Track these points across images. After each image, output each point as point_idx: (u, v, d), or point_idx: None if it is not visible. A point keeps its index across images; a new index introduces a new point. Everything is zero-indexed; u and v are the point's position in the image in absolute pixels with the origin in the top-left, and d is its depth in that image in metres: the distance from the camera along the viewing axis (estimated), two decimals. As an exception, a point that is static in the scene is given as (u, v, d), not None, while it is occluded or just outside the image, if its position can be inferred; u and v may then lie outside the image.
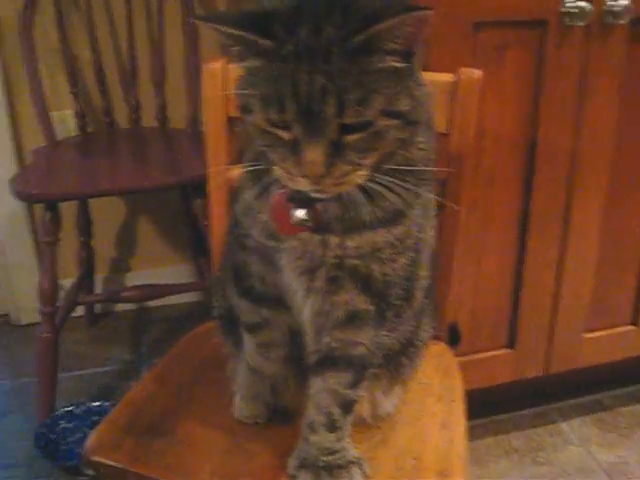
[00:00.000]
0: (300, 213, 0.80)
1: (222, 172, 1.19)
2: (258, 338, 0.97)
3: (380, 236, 0.81)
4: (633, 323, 1.83)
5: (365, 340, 0.89)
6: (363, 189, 0.76)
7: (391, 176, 0.76)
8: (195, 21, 0.68)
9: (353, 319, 0.87)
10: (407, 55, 0.72)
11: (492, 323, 1.69)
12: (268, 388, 1.02)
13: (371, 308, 0.86)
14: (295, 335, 0.95)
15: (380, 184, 0.75)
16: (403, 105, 0.72)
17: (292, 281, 0.87)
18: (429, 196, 0.87)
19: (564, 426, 1.91)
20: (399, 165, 0.77)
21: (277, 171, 0.75)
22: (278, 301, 0.93)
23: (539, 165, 1.53)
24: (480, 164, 1.48)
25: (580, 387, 2.00)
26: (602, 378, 2.00)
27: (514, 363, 1.74)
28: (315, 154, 0.70)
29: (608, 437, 1.87)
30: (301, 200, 0.79)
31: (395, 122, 0.72)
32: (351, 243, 0.81)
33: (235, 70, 0.77)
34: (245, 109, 0.74)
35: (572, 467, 1.77)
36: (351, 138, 0.71)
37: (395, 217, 0.81)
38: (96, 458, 0.98)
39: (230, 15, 0.75)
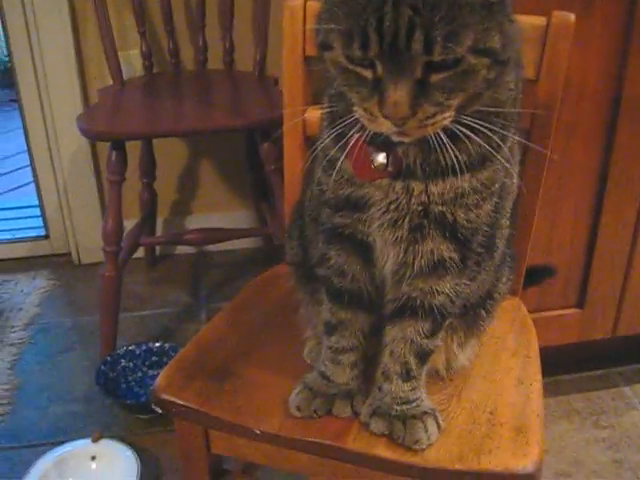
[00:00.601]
0: (380, 157, 0.77)
1: (298, 113, 1.15)
2: (332, 341, 0.94)
3: (465, 181, 0.78)
4: None
5: (446, 289, 0.86)
6: (448, 131, 0.72)
7: (478, 118, 0.72)
8: None
9: (436, 267, 0.84)
10: None
11: (563, 281, 1.64)
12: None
13: (454, 256, 0.83)
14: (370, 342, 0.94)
15: (466, 126, 0.72)
16: (494, 42, 0.67)
17: (377, 237, 0.84)
18: (516, 139, 0.83)
19: (627, 390, 1.87)
20: (487, 107, 0.73)
21: (358, 112, 0.71)
22: (357, 298, 0.91)
23: (622, 120, 1.47)
24: (561, 115, 1.41)
25: (646, 352, 1.95)
26: (670, 343, 1.94)
27: (582, 323, 1.70)
28: (399, 94, 0.66)
29: (673, 404, 1.83)
30: (382, 143, 0.76)
31: (485, 60, 0.67)
32: (435, 189, 0.78)
33: (315, 6, 0.73)
34: (325, 45, 0.70)
35: (635, 432, 1.73)
36: (437, 77, 0.67)
37: (480, 161, 0.78)
38: (166, 396, 0.97)
39: None
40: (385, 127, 0.70)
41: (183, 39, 2.19)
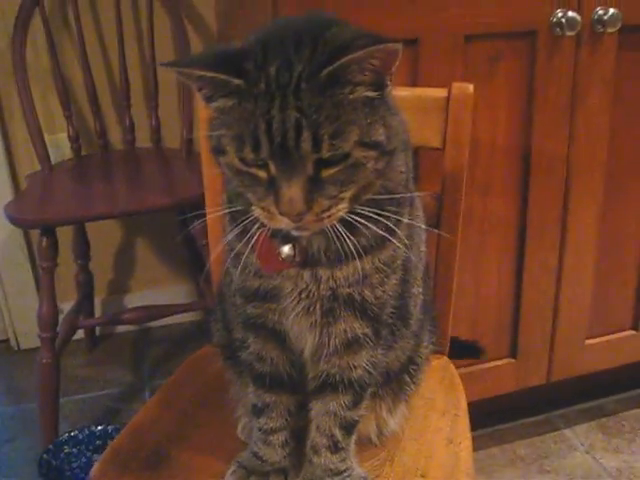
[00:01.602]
0: (286, 249, 0.80)
1: (218, 193, 1.18)
2: (260, 423, 0.95)
3: (367, 263, 0.81)
4: (634, 328, 1.84)
5: (363, 362, 0.89)
6: (345, 222, 0.75)
7: (372, 206, 0.75)
8: (165, 67, 0.67)
9: (351, 344, 0.87)
10: (379, 86, 0.72)
11: (493, 333, 1.69)
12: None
13: (367, 331, 0.87)
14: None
15: (361, 215, 0.75)
16: (379, 135, 0.71)
17: (293, 324, 0.87)
18: (411, 222, 0.87)
19: (568, 432, 1.91)
20: (379, 194, 0.77)
21: (256, 211, 0.74)
22: (279, 381, 0.93)
23: (534, 173, 1.54)
24: (474, 174, 1.48)
25: (583, 393, 2.00)
26: (604, 383, 2.00)
27: (517, 372, 1.74)
28: (294, 191, 0.69)
29: (613, 442, 1.87)
30: (285, 236, 0.79)
31: (372, 153, 0.71)
32: (340, 274, 0.81)
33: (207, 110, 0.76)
34: (218, 150, 0.73)
35: (578, 473, 1.76)
36: (328, 172, 0.70)
37: (379, 243, 0.81)
38: (102, 487, 0.97)
39: (197, 58, 0.74)
40: (284, 224, 0.72)
41: (110, 119, 2.22)
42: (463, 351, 1.35)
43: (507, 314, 1.68)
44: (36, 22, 1.97)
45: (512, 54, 1.42)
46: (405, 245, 0.84)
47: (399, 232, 0.82)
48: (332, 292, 0.82)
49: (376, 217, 0.76)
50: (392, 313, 0.88)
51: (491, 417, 1.89)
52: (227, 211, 0.82)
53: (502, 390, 1.75)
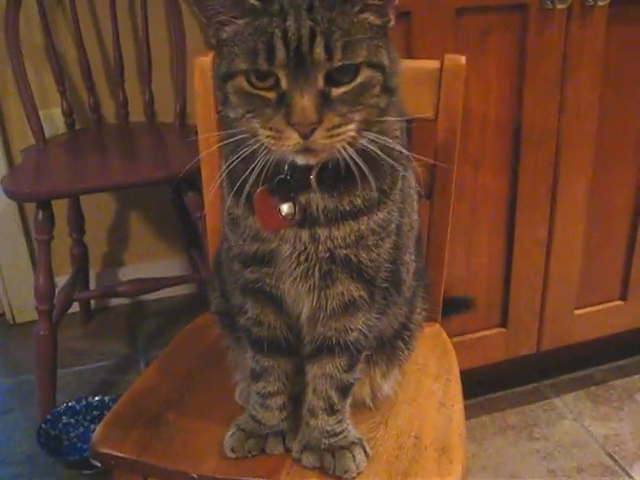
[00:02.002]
0: (286, 207, 0.82)
1: (214, 162, 1.20)
2: (258, 387, 0.98)
3: (363, 224, 0.84)
4: (622, 298, 1.87)
5: (358, 325, 0.92)
6: (353, 165, 0.76)
7: (370, 159, 0.77)
8: None
9: (347, 307, 0.90)
10: (383, 15, 0.75)
11: (485, 303, 1.72)
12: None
13: (363, 294, 0.89)
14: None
15: (372, 142, 0.77)
16: (384, 59, 0.75)
17: (290, 289, 0.89)
18: (412, 181, 0.90)
19: (557, 401, 1.95)
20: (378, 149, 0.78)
21: (262, 135, 0.74)
22: (276, 345, 0.96)
23: (525, 147, 1.56)
24: (466, 148, 1.50)
25: (572, 363, 2.05)
26: (593, 353, 2.04)
27: (507, 342, 1.77)
28: (306, 100, 0.71)
29: (601, 410, 1.91)
30: (283, 191, 0.81)
31: (378, 75, 0.74)
32: (338, 233, 0.83)
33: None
34: (228, 75, 0.75)
35: (567, 441, 1.81)
36: (338, 91, 0.73)
37: (374, 205, 0.84)
38: (104, 450, 1.00)
39: None
40: (293, 140, 0.72)
41: (104, 94, 2.23)
42: (455, 307, 1.39)
43: (498, 285, 1.71)
44: (29, -2, 1.97)
45: (503, 27, 1.44)
46: (399, 210, 0.87)
47: (393, 195, 0.85)
48: (330, 253, 0.84)
49: (386, 148, 0.78)
50: (386, 277, 0.91)
51: (482, 386, 1.93)
52: (226, 172, 0.83)
53: (493, 359, 1.78)
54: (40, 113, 1.99)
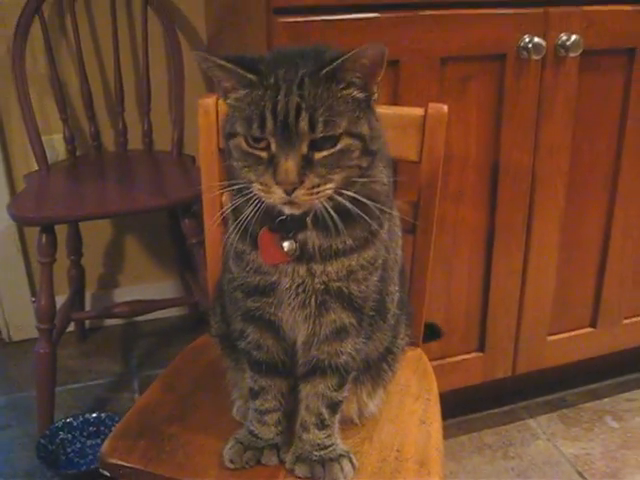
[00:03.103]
0: (287, 244, 0.93)
1: (214, 190, 1.30)
2: (256, 404, 1.08)
3: (354, 260, 0.95)
4: (592, 325, 1.98)
5: (348, 349, 1.02)
6: (337, 215, 0.88)
7: (360, 209, 0.89)
8: (197, 53, 0.84)
9: (339, 333, 1.00)
10: (366, 90, 0.87)
11: (463, 329, 1.82)
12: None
13: (353, 321, 1.00)
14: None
15: (350, 212, 0.88)
16: (364, 129, 0.87)
17: (288, 317, 0.99)
18: (397, 222, 1.01)
19: (531, 422, 2.05)
20: (366, 196, 0.90)
21: (255, 187, 0.86)
22: (274, 367, 1.05)
23: (502, 183, 1.67)
24: (448, 184, 1.61)
25: (546, 386, 2.15)
26: (565, 377, 2.15)
27: (484, 365, 1.87)
28: (290, 164, 0.82)
29: (572, 431, 2.01)
30: (283, 230, 0.92)
31: (357, 143, 0.86)
32: (331, 268, 0.94)
33: (223, 106, 0.91)
34: (230, 134, 0.88)
35: (540, 460, 1.91)
36: (320, 155, 0.84)
37: (364, 243, 0.95)
38: (113, 460, 1.08)
39: (223, 55, 0.88)
40: (278, 195, 0.84)
41: (104, 122, 2.32)
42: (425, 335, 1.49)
43: (476, 311, 1.81)
44: (35, 29, 2.06)
45: (483, 75, 1.56)
46: (385, 247, 0.98)
47: (380, 235, 0.96)
48: (325, 286, 0.95)
49: (363, 217, 0.89)
50: (373, 306, 1.01)
51: (460, 407, 2.03)
52: (232, 208, 0.94)
53: (470, 382, 1.87)
54: (42, 139, 2.08)
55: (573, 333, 1.97)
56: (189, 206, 1.91)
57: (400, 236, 1.11)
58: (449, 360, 1.82)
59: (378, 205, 0.92)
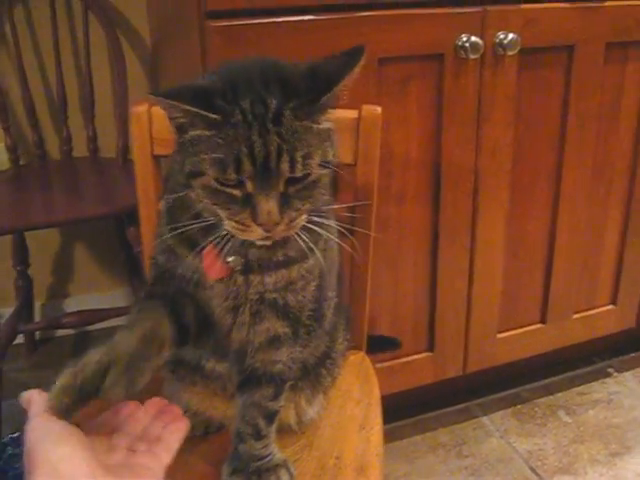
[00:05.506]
0: (232, 258, 0.91)
1: (151, 203, 1.28)
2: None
3: (294, 272, 0.94)
4: (541, 321, 2.00)
5: (283, 358, 1.00)
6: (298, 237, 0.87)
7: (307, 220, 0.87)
8: (153, 97, 0.77)
9: (273, 342, 0.99)
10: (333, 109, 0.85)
11: (412, 330, 1.82)
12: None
13: (287, 330, 0.99)
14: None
15: (312, 223, 0.87)
16: (331, 156, 0.85)
17: (220, 319, 0.97)
18: (334, 227, 1.00)
19: (485, 420, 2.06)
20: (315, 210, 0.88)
21: (228, 225, 0.83)
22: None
23: (445, 183, 1.68)
24: (390, 185, 1.61)
25: (499, 383, 2.16)
26: (518, 374, 2.16)
27: (435, 365, 1.88)
28: (271, 205, 0.80)
29: (526, 427, 2.03)
30: (231, 248, 0.89)
31: (326, 171, 0.84)
32: (269, 279, 0.93)
33: (158, 111, 0.87)
34: (195, 173, 0.82)
35: (493, 457, 1.92)
36: (294, 189, 0.82)
37: (304, 254, 0.93)
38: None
39: (178, 92, 0.81)
40: (257, 234, 0.83)
41: (47, 130, 2.28)
42: (385, 345, 1.50)
43: (424, 312, 1.82)
44: (-28, 36, 2.03)
45: (422, 75, 1.56)
46: (324, 256, 0.97)
47: (319, 244, 0.94)
48: (260, 296, 0.94)
49: (309, 227, 0.88)
50: (309, 315, 1.00)
51: (414, 408, 2.03)
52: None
53: (421, 382, 1.88)
54: (-17, 149, 2.05)
55: (523, 329, 1.98)
56: (133, 213, 1.87)
57: (335, 241, 1.09)
58: (398, 361, 1.82)
59: (323, 214, 0.91)
